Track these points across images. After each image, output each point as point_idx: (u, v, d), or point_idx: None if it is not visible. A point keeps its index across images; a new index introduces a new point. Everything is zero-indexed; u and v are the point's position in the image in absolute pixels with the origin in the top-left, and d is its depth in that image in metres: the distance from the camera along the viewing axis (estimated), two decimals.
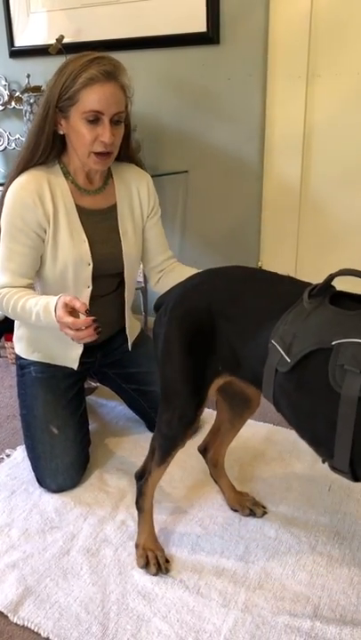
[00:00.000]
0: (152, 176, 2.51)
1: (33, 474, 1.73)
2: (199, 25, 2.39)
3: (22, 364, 1.83)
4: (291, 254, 2.54)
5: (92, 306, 1.63)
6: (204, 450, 1.61)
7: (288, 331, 1.12)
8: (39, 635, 1.25)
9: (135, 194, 1.76)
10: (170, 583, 1.36)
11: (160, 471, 1.40)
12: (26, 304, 1.56)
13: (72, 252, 1.65)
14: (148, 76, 2.58)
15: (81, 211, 1.67)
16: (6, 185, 1.65)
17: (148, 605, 1.30)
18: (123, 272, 1.77)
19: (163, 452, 1.37)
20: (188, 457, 1.81)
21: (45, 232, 1.62)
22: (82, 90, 1.50)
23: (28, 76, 2.79)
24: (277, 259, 2.51)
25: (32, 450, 1.74)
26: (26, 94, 2.56)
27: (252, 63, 2.36)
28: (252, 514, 1.58)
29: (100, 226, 1.71)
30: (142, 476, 1.43)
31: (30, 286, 1.65)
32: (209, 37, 2.38)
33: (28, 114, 2.50)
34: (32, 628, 1.26)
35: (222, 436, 1.56)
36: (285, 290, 1.23)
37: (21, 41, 2.84)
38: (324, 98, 2.33)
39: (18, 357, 1.85)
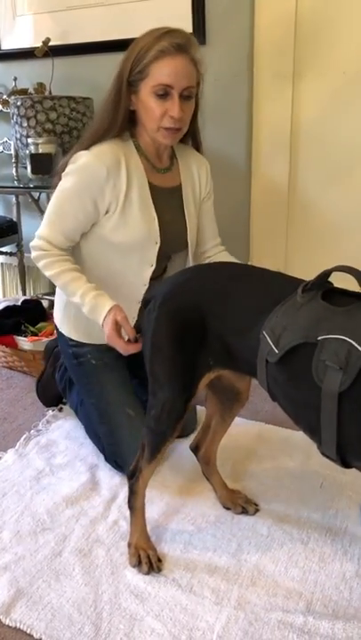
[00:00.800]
0: None
1: (106, 458, 1.77)
2: (185, 26, 2.37)
3: (77, 353, 1.80)
4: (280, 253, 2.55)
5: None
6: (195, 448, 1.61)
7: (279, 323, 1.14)
8: (32, 636, 1.24)
9: (196, 176, 1.76)
10: (162, 582, 1.36)
11: (151, 468, 1.40)
12: (69, 284, 1.57)
13: (142, 229, 1.63)
14: None
15: (153, 188, 1.66)
16: (73, 152, 1.62)
17: (141, 604, 1.30)
18: (170, 255, 1.78)
19: (152, 447, 1.37)
20: (179, 456, 1.82)
21: (109, 206, 1.60)
22: (152, 63, 1.48)
23: (15, 79, 2.79)
24: (267, 258, 2.52)
25: (110, 435, 1.73)
26: (13, 97, 2.56)
27: (238, 63, 2.38)
28: (244, 511, 1.58)
29: (168, 204, 1.70)
30: (133, 475, 1.43)
31: (69, 250, 1.65)
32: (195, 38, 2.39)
33: (15, 117, 2.49)
34: (24, 629, 1.25)
35: (213, 433, 1.57)
36: (278, 284, 1.25)
37: (8, 44, 2.85)
38: (311, 97, 2.35)
39: (69, 346, 1.81)
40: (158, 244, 1.67)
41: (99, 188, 1.57)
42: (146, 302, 1.44)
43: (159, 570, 1.39)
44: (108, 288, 1.59)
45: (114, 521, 1.56)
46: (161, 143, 1.62)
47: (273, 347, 1.14)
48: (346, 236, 2.45)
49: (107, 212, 1.62)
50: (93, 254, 1.69)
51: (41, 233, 1.64)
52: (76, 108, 2.47)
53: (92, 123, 1.70)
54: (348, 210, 2.42)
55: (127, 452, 1.66)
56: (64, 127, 2.44)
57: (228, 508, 1.59)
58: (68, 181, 1.60)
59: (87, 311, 1.54)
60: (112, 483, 1.71)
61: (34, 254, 1.65)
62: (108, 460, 1.77)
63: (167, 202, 1.69)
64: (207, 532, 1.52)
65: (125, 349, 1.48)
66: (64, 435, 1.99)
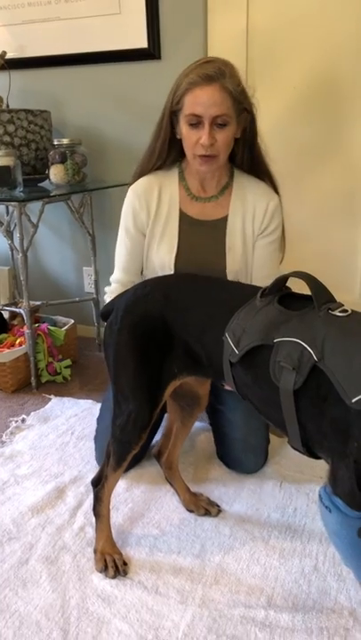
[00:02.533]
0: (99, 189, 2.57)
1: None
2: (140, 41, 2.45)
3: None
4: None
5: None
6: (158, 454, 1.65)
7: (239, 325, 1.21)
8: None
9: (250, 210, 1.69)
10: (128, 585, 1.39)
11: (116, 476, 1.44)
12: None
13: (158, 257, 1.70)
14: (91, 90, 2.63)
15: (185, 218, 1.69)
16: (128, 187, 1.74)
17: (108, 607, 1.33)
18: None
19: (118, 456, 1.40)
20: (143, 461, 1.85)
21: (145, 233, 1.71)
22: (185, 95, 1.54)
23: None
24: None
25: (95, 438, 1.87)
26: None
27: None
28: (207, 513, 1.63)
29: (204, 236, 1.70)
30: (98, 483, 1.46)
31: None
32: (150, 53, 2.45)
33: None
34: None
35: (175, 438, 1.61)
36: (237, 291, 1.33)
37: None
38: (263, 111, 2.42)
39: None
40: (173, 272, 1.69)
41: (138, 219, 1.70)
42: (103, 315, 1.47)
43: (125, 573, 1.43)
44: None
45: (80, 527, 1.58)
46: (199, 170, 1.64)
47: (234, 348, 1.20)
48: (298, 244, 2.53)
49: (145, 236, 1.73)
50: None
51: (112, 277, 1.79)
52: (33, 121, 2.49)
53: (144, 152, 1.74)
54: (300, 218, 2.51)
55: (99, 452, 1.74)
56: (22, 140, 2.46)
57: (191, 511, 1.64)
58: (121, 223, 1.75)
59: None
60: (78, 491, 1.74)
61: (108, 298, 1.75)
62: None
63: (203, 233, 1.69)
64: (171, 534, 1.56)
65: None
66: (28, 445, 2.00)
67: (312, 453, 1.19)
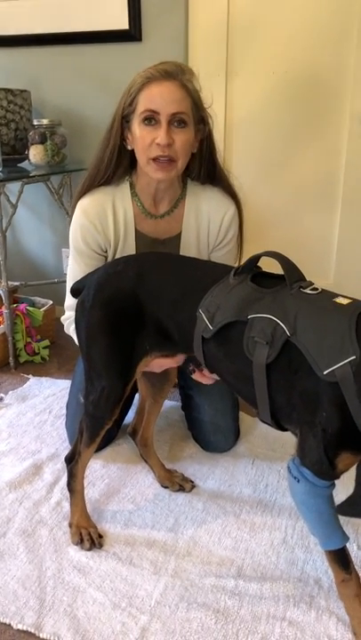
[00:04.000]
0: (78, 170, 2.57)
1: None
2: (121, 22, 2.45)
3: None
4: None
5: None
6: (133, 432, 1.69)
7: (213, 302, 1.25)
8: None
9: (204, 225, 1.60)
10: (103, 556, 1.44)
11: (89, 451, 1.47)
12: None
13: None
14: (72, 71, 2.62)
15: (140, 237, 1.59)
16: (73, 202, 1.61)
17: (83, 577, 1.37)
18: None
19: (91, 432, 1.44)
20: (119, 439, 1.90)
21: (106, 252, 1.60)
22: (140, 91, 1.41)
23: None
24: None
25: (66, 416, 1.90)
26: None
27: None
28: (181, 489, 1.67)
29: None
30: (72, 459, 1.49)
31: None
32: (131, 35, 2.45)
33: None
34: None
35: (148, 415, 1.65)
36: (209, 269, 1.37)
37: None
38: (243, 95, 2.46)
39: None
40: None
41: (93, 239, 1.57)
42: (73, 291, 1.49)
43: (100, 546, 1.47)
44: None
45: (56, 502, 1.62)
46: (155, 180, 1.50)
47: (208, 324, 1.24)
48: (273, 230, 2.58)
49: (106, 253, 1.62)
50: None
51: (66, 304, 1.67)
52: (13, 101, 2.49)
53: (89, 168, 1.58)
54: (277, 204, 2.55)
55: (71, 436, 1.75)
56: (1, 119, 2.45)
57: (165, 487, 1.68)
58: (71, 244, 1.61)
59: None
60: (55, 467, 1.77)
61: (66, 325, 1.67)
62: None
63: (156, 250, 1.61)
64: (146, 509, 1.61)
65: None
66: (6, 423, 2.03)
67: (280, 426, 1.24)
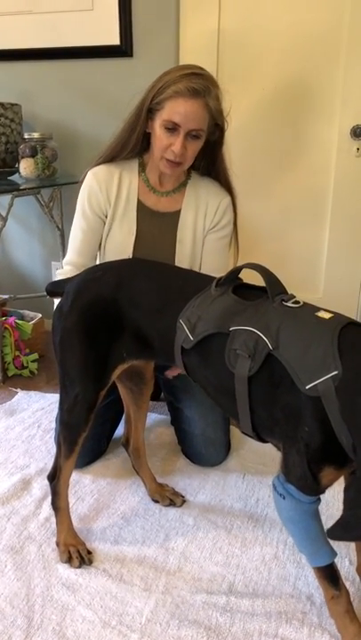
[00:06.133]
0: (69, 183, 2.57)
1: None
2: (112, 38, 2.47)
3: None
4: None
5: None
6: (126, 442, 1.68)
7: (194, 313, 1.24)
8: None
9: (203, 206, 1.78)
10: (93, 573, 1.41)
11: (69, 464, 1.45)
12: None
13: (118, 242, 1.75)
14: (63, 85, 2.63)
15: (142, 207, 1.75)
16: (85, 172, 1.78)
17: (73, 595, 1.35)
18: None
19: (68, 442, 1.42)
20: (109, 454, 1.88)
21: (106, 216, 1.75)
22: (168, 100, 1.59)
23: None
24: None
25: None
26: None
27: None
28: (171, 504, 1.66)
29: (157, 227, 1.77)
30: (54, 477, 1.47)
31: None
32: (122, 50, 2.47)
33: None
34: None
35: (135, 421, 1.64)
36: (191, 279, 1.37)
37: None
38: (233, 111, 2.45)
39: None
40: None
41: (95, 200, 1.74)
42: (49, 292, 1.51)
43: (90, 562, 1.45)
44: None
45: (45, 518, 1.60)
46: (162, 172, 1.72)
47: (189, 334, 1.24)
48: (263, 244, 2.59)
49: (105, 219, 1.76)
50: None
51: (65, 260, 1.81)
52: (4, 114, 2.48)
53: (110, 139, 1.76)
54: (266, 217, 2.56)
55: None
56: None
57: (156, 501, 1.67)
58: (77, 205, 1.78)
59: None
60: (43, 482, 1.74)
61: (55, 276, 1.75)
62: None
63: (157, 224, 1.77)
64: (136, 524, 1.59)
65: None
66: None
67: (261, 438, 1.24)
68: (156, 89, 1.62)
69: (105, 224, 1.77)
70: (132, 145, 1.71)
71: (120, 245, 1.75)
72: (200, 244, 1.81)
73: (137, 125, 1.68)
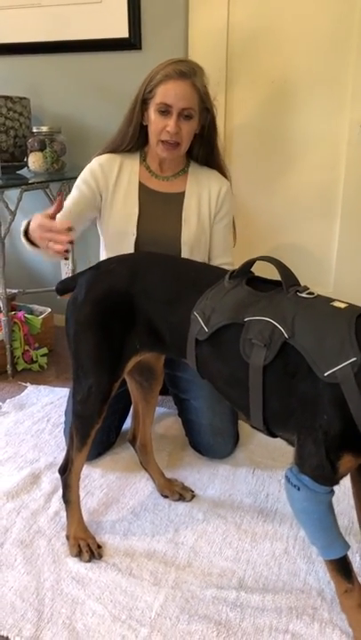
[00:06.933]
0: (77, 177, 2.56)
1: None
2: (121, 31, 2.46)
3: None
4: None
5: None
6: (132, 439, 1.67)
7: (208, 305, 1.24)
8: None
9: (205, 192, 1.84)
10: (103, 567, 1.41)
11: (81, 457, 1.45)
12: None
13: (120, 220, 1.79)
14: (71, 79, 2.63)
15: (143, 188, 1.81)
16: (94, 157, 1.85)
17: (82, 589, 1.35)
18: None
19: (81, 434, 1.42)
20: (118, 448, 1.88)
21: (101, 196, 1.80)
22: (158, 85, 1.69)
23: None
24: None
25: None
26: None
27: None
28: (181, 498, 1.65)
29: (161, 206, 1.81)
30: (66, 470, 1.47)
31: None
32: (131, 43, 2.45)
33: None
34: None
35: (143, 417, 1.64)
36: (204, 271, 1.37)
37: None
38: (242, 104, 2.46)
39: None
40: (135, 236, 1.78)
41: (93, 178, 1.79)
42: (60, 291, 1.49)
43: (100, 556, 1.45)
44: None
45: (55, 512, 1.60)
46: (160, 156, 1.77)
47: (203, 326, 1.24)
48: (273, 238, 2.57)
49: (101, 199, 1.80)
50: (103, 246, 1.88)
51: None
52: (12, 108, 2.48)
53: (112, 135, 1.86)
54: (276, 213, 2.55)
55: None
56: (0, 126, 2.45)
57: (165, 496, 1.66)
58: (76, 182, 1.82)
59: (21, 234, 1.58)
60: (53, 476, 1.75)
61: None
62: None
63: (160, 203, 1.81)
64: (146, 519, 1.59)
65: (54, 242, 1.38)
66: (4, 432, 2.01)
67: (270, 432, 1.23)
68: (147, 81, 1.73)
69: (97, 204, 1.80)
70: (131, 136, 1.79)
71: (123, 225, 1.78)
72: (205, 226, 1.85)
73: (133, 117, 1.77)
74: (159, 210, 1.81)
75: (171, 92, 1.67)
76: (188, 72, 1.68)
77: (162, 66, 1.71)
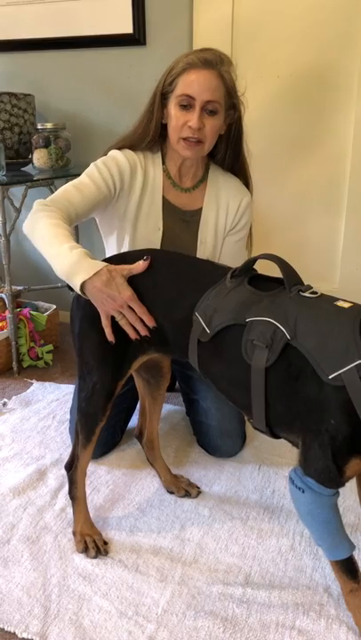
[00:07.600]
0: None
1: None
2: (126, 27, 2.45)
3: None
4: None
5: None
6: (139, 435, 1.67)
7: (210, 305, 1.23)
8: None
9: (224, 205, 1.71)
10: (109, 563, 1.42)
11: (87, 453, 1.45)
12: (56, 236, 1.40)
13: (142, 239, 1.66)
14: (76, 75, 2.62)
15: (167, 205, 1.67)
16: (106, 151, 1.68)
17: (89, 585, 1.35)
18: None
19: (86, 431, 1.42)
20: (124, 444, 1.88)
21: (117, 197, 1.62)
22: (180, 75, 1.51)
23: None
24: None
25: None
26: None
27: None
28: (187, 495, 1.65)
29: (180, 224, 1.70)
30: (72, 466, 1.47)
31: (68, 220, 1.51)
32: (135, 39, 2.44)
33: None
34: None
35: (150, 414, 1.64)
36: (207, 270, 1.34)
37: None
38: (248, 99, 2.43)
39: None
40: None
41: (118, 173, 1.61)
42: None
43: (106, 553, 1.45)
44: None
45: (61, 508, 1.60)
46: (182, 157, 1.62)
47: (205, 327, 1.22)
48: (278, 234, 2.56)
49: (116, 201, 1.63)
50: None
51: (47, 198, 1.56)
52: (17, 105, 2.48)
53: (128, 131, 1.69)
54: (282, 207, 2.54)
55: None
56: (5, 123, 2.45)
57: (171, 492, 1.66)
58: (91, 167, 1.63)
59: (69, 263, 1.35)
60: (59, 473, 1.75)
61: (30, 214, 1.49)
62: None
63: (180, 223, 1.70)
64: (152, 515, 1.59)
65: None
66: (10, 428, 2.01)
67: (273, 434, 1.22)
68: (168, 71, 1.57)
69: (108, 203, 1.63)
70: (152, 134, 1.63)
71: (144, 244, 1.66)
72: (220, 243, 1.76)
73: (153, 113, 1.61)
74: (178, 228, 1.70)
75: (194, 83, 1.49)
76: (213, 60, 1.50)
77: (183, 55, 1.54)
